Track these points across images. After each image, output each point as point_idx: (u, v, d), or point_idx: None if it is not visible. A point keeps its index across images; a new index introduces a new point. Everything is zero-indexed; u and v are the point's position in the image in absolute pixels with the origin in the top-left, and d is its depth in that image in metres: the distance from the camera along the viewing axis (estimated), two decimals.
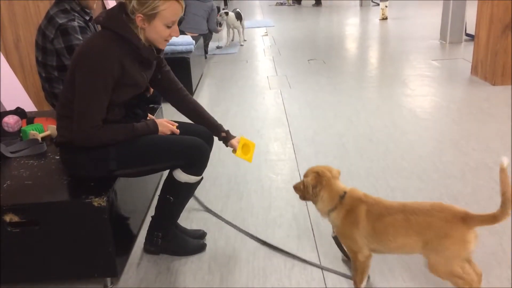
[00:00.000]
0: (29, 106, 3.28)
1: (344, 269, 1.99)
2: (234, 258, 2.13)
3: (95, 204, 1.79)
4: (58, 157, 2.15)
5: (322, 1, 12.88)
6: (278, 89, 4.92)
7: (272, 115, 4.09)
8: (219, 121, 2.23)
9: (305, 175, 1.84)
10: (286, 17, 10.98)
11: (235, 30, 7.70)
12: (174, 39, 1.97)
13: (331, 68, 5.70)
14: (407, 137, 3.40)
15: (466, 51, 5.98)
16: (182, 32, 5.67)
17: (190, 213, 2.50)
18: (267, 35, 8.54)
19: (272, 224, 2.38)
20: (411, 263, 1.99)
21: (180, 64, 4.61)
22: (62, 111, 1.93)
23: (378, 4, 10.00)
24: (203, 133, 2.15)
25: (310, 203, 2.45)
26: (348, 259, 1.99)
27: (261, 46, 7.55)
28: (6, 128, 2.50)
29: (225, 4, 11.88)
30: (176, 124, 2.11)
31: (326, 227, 2.25)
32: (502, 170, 1.49)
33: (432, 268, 1.64)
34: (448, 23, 6.54)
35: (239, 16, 7.45)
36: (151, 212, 2.22)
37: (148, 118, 2.20)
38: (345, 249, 1.89)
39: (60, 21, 2.72)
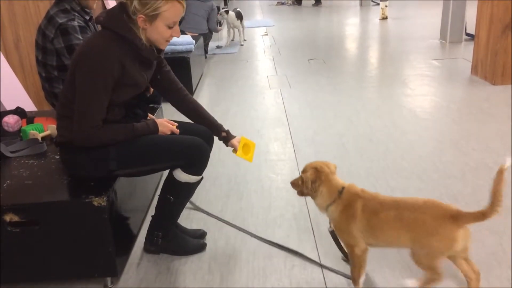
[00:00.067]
0: (29, 106, 3.28)
1: (344, 269, 1.99)
2: (234, 258, 2.13)
3: (95, 203, 1.79)
4: (58, 157, 2.15)
5: (322, 1, 12.87)
6: (278, 88, 4.92)
7: (272, 115, 4.09)
8: (219, 121, 2.23)
9: (304, 171, 1.86)
10: (286, 17, 10.97)
11: (235, 30, 7.70)
12: (174, 39, 1.98)
13: (331, 68, 5.70)
14: (407, 137, 3.40)
15: (466, 50, 5.98)
16: (182, 32, 5.67)
17: (190, 213, 2.50)
18: (267, 34, 8.54)
19: (272, 224, 2.38)
20: (411, 262, 1.98)
21: (180, 63, 4.61)
22: (62, 111, 1.93)
23: (378, 4, 10.00)
24: (203, 133, 2.15)
25: (310, 203, 2.46)
26: (345, 256, 2.01)
27: (261, 45, 7.55)
28: (6, 128, 2.50)
29: (225, 3, 11.88)
30: (176, 124, 2.10)
31: (326, 227, 2.25)
32: (501, 171, 1.51)
33: (414, 257, 1.70)
34: (448, 22, 6.54)
35: (239, 16, 7.44)
36: (151, 211, 2.22)
37: (148, 118, 2.20)
38: (342, 244, 1.91)
39: (60, 21, 2.72)
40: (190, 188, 2.07)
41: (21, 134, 2.47)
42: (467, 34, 6.61)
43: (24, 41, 3.65)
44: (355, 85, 4.90)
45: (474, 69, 4.89)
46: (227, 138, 2.19)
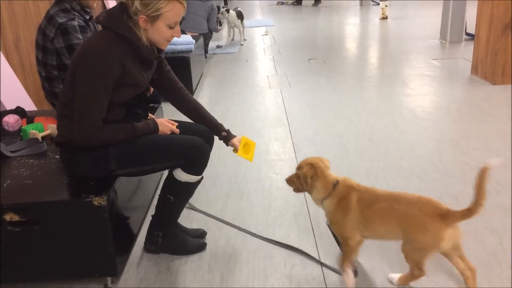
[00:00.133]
0: (29, 105, 3.28)
1: None
2: (234, 257, 2.13)
3: (95, 203, 1.79)
4: (58, 157, 2.15)
5: (322, 1, 12.86)
6: (278, 88, 4.92)
7: (272, 115, 4.09)
8: (219, 121, 2.23)
9: (299, 167, 1.92)
10: (286, 17, 10.97)
11: (236, 30, 7.70)
12: (174, 39, 1.98)
13: (331, 68, 5.69)
14: (407, 137, 3.40)
15: (466, 50, 5.98)
16: (183, 32, 5.64)
17: (190, 213, 2.50)
18: (267, 34, 8.53)
19: (272, 224, 2.38)
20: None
21: (180, 63, 4.61)
22: (62, 111, 1.93)
23: (378, 4, 9.99)
24: (204, 132, 2.15)
25: (310, 203, 2.46)
26: (340, 247, 2.01)
27: (261, 45, 7.55)
28: (6, 127, 2.50)
29: (225, 3, 11.87)
30: (176, 124, 2.10)
31: (326, 226, 2.25)
32: (485, 170, 1.54)
33: (404, 251, 1.74)
34: (448, 22, 6.54)
35: (240, 15, 7.44)
36: (151, 211, 2.22)
37: (148, 117, 2.20)
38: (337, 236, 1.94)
39: (60, 20, 2.72)
40: (190, 187, 2.07)
41: (21, 133, 2.47)
42: (467, 34, 6.61)
43: (24, 41, 3.65)
44: (355, 85, 4.89)
45: (474, 69, 4.89)
46: (227, 138, 2.19)
